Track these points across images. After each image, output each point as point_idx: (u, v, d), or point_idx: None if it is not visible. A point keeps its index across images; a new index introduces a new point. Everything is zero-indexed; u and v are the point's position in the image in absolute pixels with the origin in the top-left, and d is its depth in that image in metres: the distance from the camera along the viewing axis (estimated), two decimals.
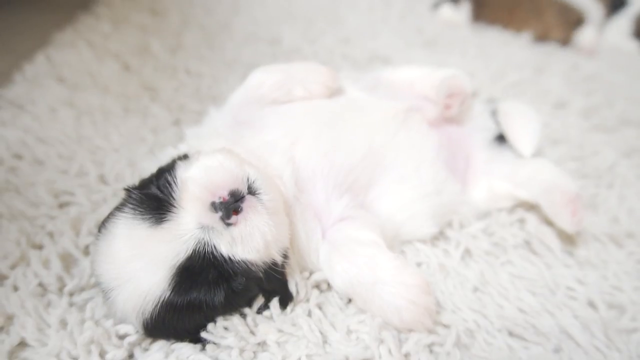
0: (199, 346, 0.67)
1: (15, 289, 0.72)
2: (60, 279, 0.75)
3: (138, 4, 1.92)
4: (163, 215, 0.63)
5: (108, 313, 0.69)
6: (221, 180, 0.64)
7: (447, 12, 2.15)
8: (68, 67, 1.35)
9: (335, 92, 0.90)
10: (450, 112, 0.94)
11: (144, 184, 0.68)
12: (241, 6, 2.04)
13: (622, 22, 2.00)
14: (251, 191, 0.65)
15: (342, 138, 0.82)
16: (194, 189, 0.63)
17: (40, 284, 0.73)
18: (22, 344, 0.67)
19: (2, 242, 0.79)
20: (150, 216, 0.63)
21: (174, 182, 0.64)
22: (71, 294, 0.73)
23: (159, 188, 0.65)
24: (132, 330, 0.66)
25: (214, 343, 0.67)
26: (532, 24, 2.02)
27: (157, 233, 0.62)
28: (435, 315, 0.73)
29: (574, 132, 1.31)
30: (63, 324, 0.67)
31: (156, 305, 0.61)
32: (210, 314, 0.67)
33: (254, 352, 0.68)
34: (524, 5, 2.07)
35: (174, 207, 0.63)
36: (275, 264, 0.67)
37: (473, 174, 0.98)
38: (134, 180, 0.96)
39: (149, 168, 0.78)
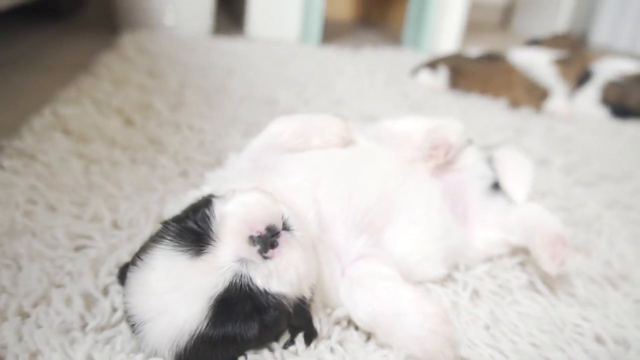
0: None
1: (39, 326, 0.71)
2: (82, 318, 0.74)
3: (136, 67, 2.00)
4: (201, 248, 0.65)
5: (136, 348, 0.69)
6: (259, 215, 0.68)
7: (425, 77, 2.31)
8: (74, 121, 1.38)
9: (348, 143, 0.96)
10: (436, 162, 0.98)
11: (179, 219, 0.70)
12: (236, 71, 2.14)
13: (591, 91, 2.18)
14: (285, 227, 0.69)
15: (358, 183, 0.87)
16: (233, 222, 0.66)
17: (64, 322, 0.73)
18: None
19: (23, 280, 0.79)
20: (189, 248, 0.65)
21: (212, 216, 0.67)
22: (95, 332, 0.73)
23: (195, 222, 0.67)
24: None
25: None
26: (505, 94, 2.18)
27: (195, 265, 0.64)
28: (455, 346, 0.75)
29: (558, 186, 1.40)
30: (90, 359, 0.67)
31: (192, 337, 0.62)
32: (243, 347, 0.67)
33: None
34: (497, 78, 2.24)
35: (213, 240, 0.66)
36: (303, 299, 0.70)
37: (470, 223, 1.03)
38: (148, 225, 0.98)
39: (172, 210, 0.80)
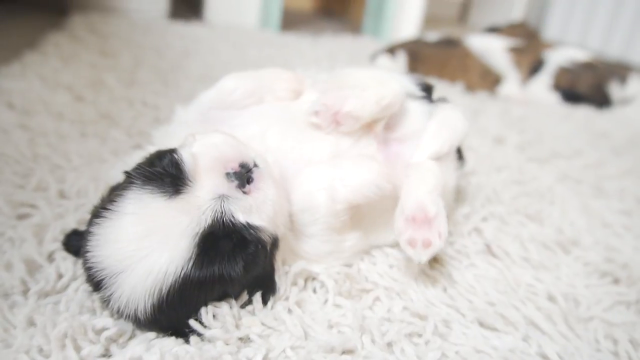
0: (180, 340, 0.64)
1: None
2: (24, 283, 0.70)
3: (87, 46, 1.92)
4: (176, 189, 0.63)
5: (82, 310, 0.65)
6: (231, 153, 0.67)
7: (384, 61, 2.33)
8: (18, 95, 1.31)
9: (300, 94, 0.92)
10: (326, 130, 0.84)
11: (145, 166, 0.66)
12: (193, 53, 2.09)
13: (543, 77, 2.25)
14: (255, 165, 0.69)
15: (308, 139, 0.84)
16: (207, 161, 0.65)
17: (2, 286, 0.68)
18: None
19: None
20: (163, 191, 0.62)
21: (181, 159, 0.65)
22: (37, 297, 0.69)
23: (163, 168, 0.65)
24: (110, 324, 0.62)
25: (198, 335, 0.64)
26: (460, 78, 2.23)
27: (173, 206, 0.61)
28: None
29: (513, 162, 1.43)
30: (31, 322, 0.63)
31: (176, 279, 0.59)
32: (226, 288, 0.66)
33: (237, 347, 0.66)
34: (453, 62, 2.28)
35: (188, 180, 0.64)
36: (276, 237, 0.70)
37: None
38: (98, 195, 0.93)
39: (118, 175, 0.76)
